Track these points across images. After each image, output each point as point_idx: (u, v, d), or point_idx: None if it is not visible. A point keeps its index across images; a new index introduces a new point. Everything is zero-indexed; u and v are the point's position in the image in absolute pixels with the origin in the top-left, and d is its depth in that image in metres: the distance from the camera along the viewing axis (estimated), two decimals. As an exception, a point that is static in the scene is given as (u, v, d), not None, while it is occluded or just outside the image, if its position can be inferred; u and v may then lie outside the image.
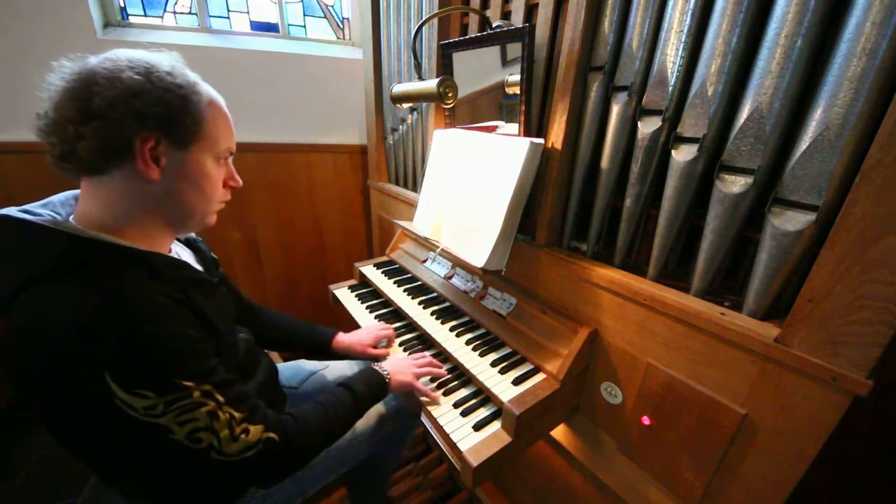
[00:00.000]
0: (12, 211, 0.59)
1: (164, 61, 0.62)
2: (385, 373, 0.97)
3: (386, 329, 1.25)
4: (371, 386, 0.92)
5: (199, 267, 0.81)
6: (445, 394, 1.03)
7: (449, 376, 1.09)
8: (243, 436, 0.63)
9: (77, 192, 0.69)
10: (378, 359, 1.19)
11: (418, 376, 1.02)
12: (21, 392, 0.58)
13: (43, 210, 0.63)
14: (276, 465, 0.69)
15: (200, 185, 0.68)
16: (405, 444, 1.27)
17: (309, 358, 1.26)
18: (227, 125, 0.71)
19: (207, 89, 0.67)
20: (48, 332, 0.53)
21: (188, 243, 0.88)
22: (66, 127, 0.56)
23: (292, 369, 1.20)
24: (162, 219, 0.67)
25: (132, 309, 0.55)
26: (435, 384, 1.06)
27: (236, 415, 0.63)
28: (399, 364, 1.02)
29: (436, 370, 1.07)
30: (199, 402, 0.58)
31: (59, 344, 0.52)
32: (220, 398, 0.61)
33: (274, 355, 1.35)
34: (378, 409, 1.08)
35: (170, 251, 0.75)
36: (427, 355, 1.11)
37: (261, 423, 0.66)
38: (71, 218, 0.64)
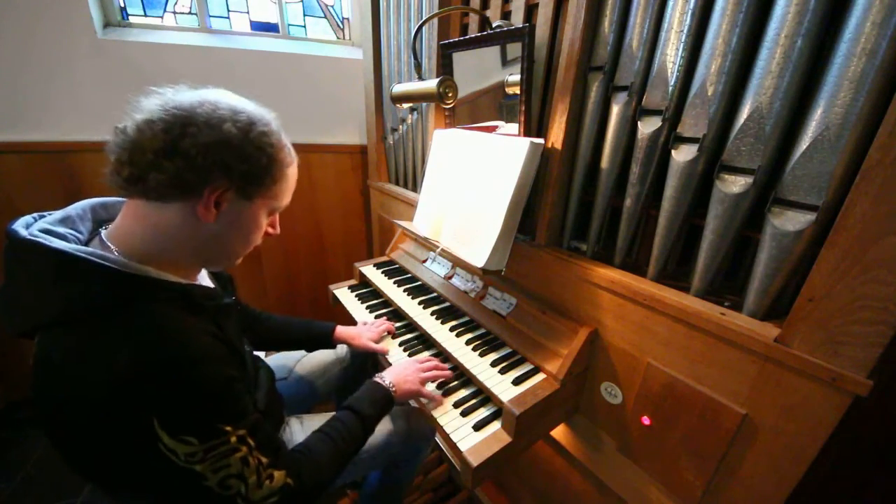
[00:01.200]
0: (38, 234, 0.55)
1: (265, 119, 0.63)
2: (389, 385, 0.94)
3: (386, 324, 1.26)
4: (376, 404, 0.89)
5: (213, 284, 0.80)
6: (445, 394, 1.03)
7: (451, 373, 1.08)
8: (268, 482, 0.62)
9: (96, 200, 0.68)
10: (384, 359, 1.19)
11: (424, 381, 0.99)
12: (49, 422, 0.56)
13: (63, 229, 0.60)
14: None
15: (248, 234, 0.68)
16: (418, 466, 1.24)
17: (311, 351, 1.26)
18: (293, 186, 0.72)
19: (293, 154, 0.69)
20: (97, 373, 0.51)
21: None
22: (145, 154, 0.55)
23: (279, 361, 1.20)
24: (198, 256, 0.67)
25: (178, 352, 0.55)
26: (441, 390, 1.04)
27: (264, 460, 0.62)
28: (403, 371, 0.98)
29: (442, 373, 1.04)
30: (234, 447, 0.58)
31: (109, 386, 0.51)
32: (252, 442, 0.61)
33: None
34: (387, 425, 1.06)
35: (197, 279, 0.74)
36: (430, 358, 1.10)
37: (283, 468, 0.65)
38: (104, 234, 0.62)
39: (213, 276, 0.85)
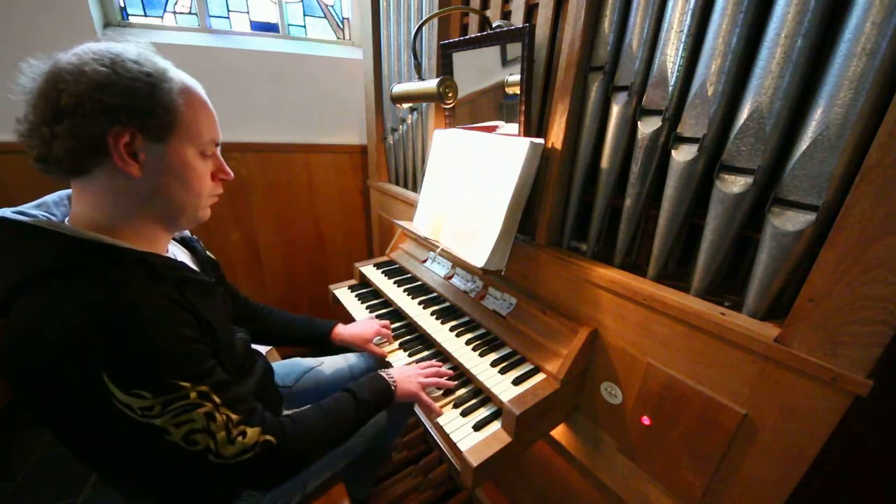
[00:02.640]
0: (6, 212, 0.59)
1: (131, 50, 0.60)
2: (392, 380, 0.95)
3: (385, 328, 1.25)
4: (376, 393, 0.90)
5: (195, 268, 0.80)
6: (445, 394, 1.03)
7: (454, 383, 1.06)
8: (240, 438, 0.62)
9: (70, 191, 0.69)
10: (383, 360, 1.19)
11: (424, 387, 0.99)
12: (20, 393, 0.58)
13: (37, 211, 0.62)
14: (273, 469, 0.68)
15: (186, 180, 0.65)
16: (403, 423, 1.25)
17: (309, 348, 1.25)
18: (208, 114, 0.68)
19: (180, 75, 0.64)
20: (46, 334, 0.52)
21: (185, 244, 0.87)
22: (41, 128, 0.56)
23: (287, 368, 1.19)
24: (151, 216, 0.66)
25: (129, 310, 0.55)
26: (440, 392, 1.03)
27: (233, 417, 0.62)
28: (405, 372, 1.00)
29: (443, 381, 1.02)
30: (195, 403, 0.58)
31: (57, 345, 0.52)
32: (217, 399, 0.61)
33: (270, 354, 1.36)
34: None
35: (166, 251, 0.74)
36: (434, 362, 1.09)
37: (258, 425, 0.65)
38: (66, 220, 0.64)
39: (196, 260, 0.85)
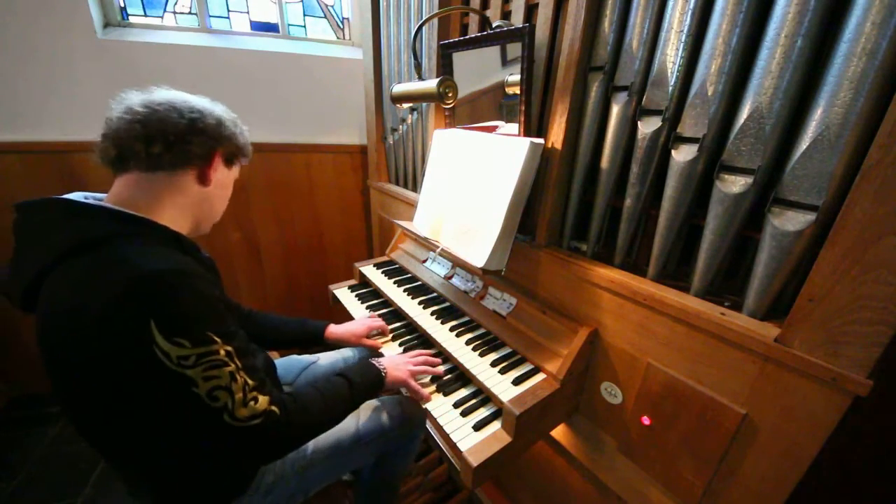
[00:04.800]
0: (43, 199, 0.67)
1: (219, 106, 0.80)
2: (381, 368, 0.98)
3: (377, 320, 1.27)
4: (367, 378, 0.93)
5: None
6: (445, 394, 1.03)
7: (448, 376, 1.09)
8: (252, 402, 0.66)
9: (87, 193, 0.75)
10: (373, 352, 1.21)
11: (413, 374, 1.02)
12: (55, 357, 0.63)
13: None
14: (275, 439, 0.72)
15: (225, 196, 0.86)
16: (412, 455, 1.26)
17: (303, 351, 1.27)
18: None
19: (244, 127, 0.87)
20: (103, 285, 0.58)
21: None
22: (166, 135, 0.70)
23: (285, 365, 1.21)
24: (191, 217, 0.79)
25: (174, 267, 0.61)
26: (435, 384, 1.06)
27: (250, 382, 0.67)
28: (395, 360, 1.03)
29: (431, 369, 1.06)
30: (223, 360, 0.63)
31: (112, 294, 0.57)
32: (238, 363, 0.66)
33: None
34: (381, 413, 1.08)
35: None
36: (423, 352, 1.12)
37: (268, 395, 0.70)
38: (103, 202, 0.71)
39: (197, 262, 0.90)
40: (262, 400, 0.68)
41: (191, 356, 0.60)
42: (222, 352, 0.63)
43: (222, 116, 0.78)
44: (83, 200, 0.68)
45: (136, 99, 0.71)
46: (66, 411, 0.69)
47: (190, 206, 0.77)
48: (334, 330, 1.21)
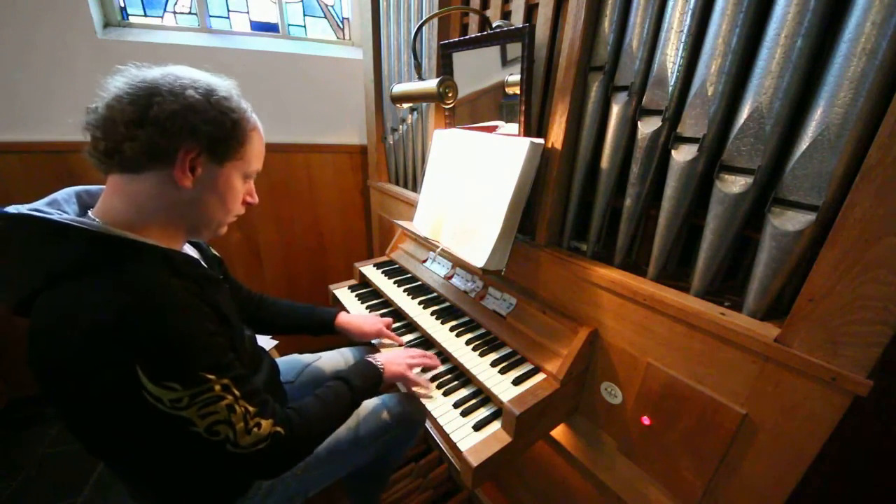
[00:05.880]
0: (22, 209, 0.59)
1: (224, 86, 0.68)
2: (379, 364, 0.98)
3: (388, 327, 1.25)
4: (367, 378, 0.94)
5: (204, 265, 0.82)
6: (445, 394, 1.03)
7: (443, 369, 1.09)
8: (255, 429, 0.65)
9: (78, 188, 0.71)
10: (371, 347, 1.22)
11: (411, 367, 1.03)
12: (45, 387, 0.59)
13: (49, 209, 0.63)
14: (282, 457, 0.72)
15: (224, 199, 0.72)
16: (408, 448, 1.27)
17: (314, 336, 1.27)
18: (262, 150, 0.76)
19: (255, 118, 0.73)
20: (79, 328, 0.54)
21: (192, 241, 0.89)
22: (117, 126, 0.59)
23: (287, 364, 1.21)
24: (181, 223, 0.70)
25: (159, 305, 0.58)
26: (435, 383, 1.06)
27: (250, 409, 0.65)
28: (392, 355, 1.04)
29: (428, 361, 1.08)
30: (219, 395, 0.61)
31: (92, 338, 0.54)
32: (237, 392, 0.64)
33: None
34: (381, 413, 1.08)
35: (182, 249, 0.76)
36: (420, 351, 1.12)
37: (271, 417, 0.69)
38: (90, 212, 0.65)
39: (203, 257, 0.88)
40: (266, 424, 0.67)
41: (183, 398, 0.57)
42: (217, 387, 0.60)
43: (193, 97, 0.62)
44: (60, 218, 0.58)
45: (109, 88, 0.61)
46: (61, 421, 0.67)
47: (176, 211, 0.67)
48: (344, 319, 1.22)
